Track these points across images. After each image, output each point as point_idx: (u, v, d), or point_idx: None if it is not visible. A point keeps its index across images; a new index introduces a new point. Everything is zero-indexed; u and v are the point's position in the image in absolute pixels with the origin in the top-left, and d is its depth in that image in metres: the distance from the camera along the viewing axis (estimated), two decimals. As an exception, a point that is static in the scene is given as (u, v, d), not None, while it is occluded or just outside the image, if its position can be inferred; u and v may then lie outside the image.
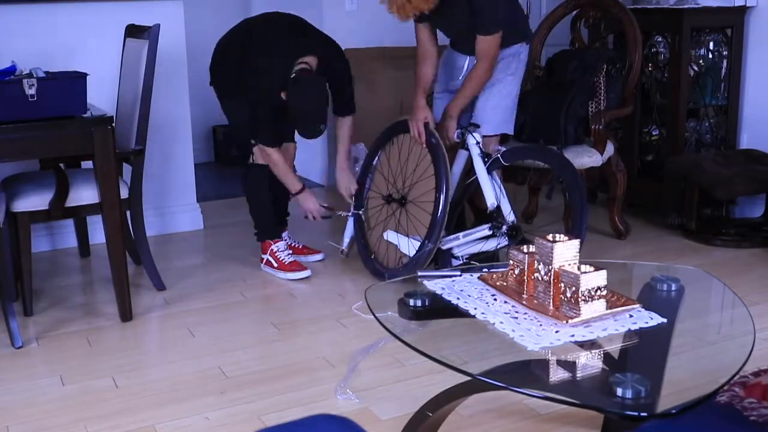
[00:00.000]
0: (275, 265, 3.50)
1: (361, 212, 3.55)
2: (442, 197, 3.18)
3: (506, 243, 3.13)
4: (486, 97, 3.30)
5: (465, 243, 3.22)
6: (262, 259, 3.56)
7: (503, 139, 3.44)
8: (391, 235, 3.38)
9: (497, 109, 3.31)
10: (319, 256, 3.70)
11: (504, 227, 3.14)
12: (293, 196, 3.50)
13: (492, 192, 3.18)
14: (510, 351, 1.71)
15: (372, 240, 3.50)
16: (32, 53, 3.43)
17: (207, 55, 3.49)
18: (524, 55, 3.34)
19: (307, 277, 3.45)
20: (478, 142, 3.24)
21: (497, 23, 3.11)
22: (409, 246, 3.27)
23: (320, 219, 3.55)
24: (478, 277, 2.02)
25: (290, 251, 3.57)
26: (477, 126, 3.27)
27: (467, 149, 3.28)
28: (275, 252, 3.51)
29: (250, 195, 3.56)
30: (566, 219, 3.63)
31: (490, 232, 3.15)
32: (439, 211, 3.18)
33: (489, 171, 3.21)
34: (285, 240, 3.63)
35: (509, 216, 3.17)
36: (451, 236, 3.25)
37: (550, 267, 1.79)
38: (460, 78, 3.35)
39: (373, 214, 3.52)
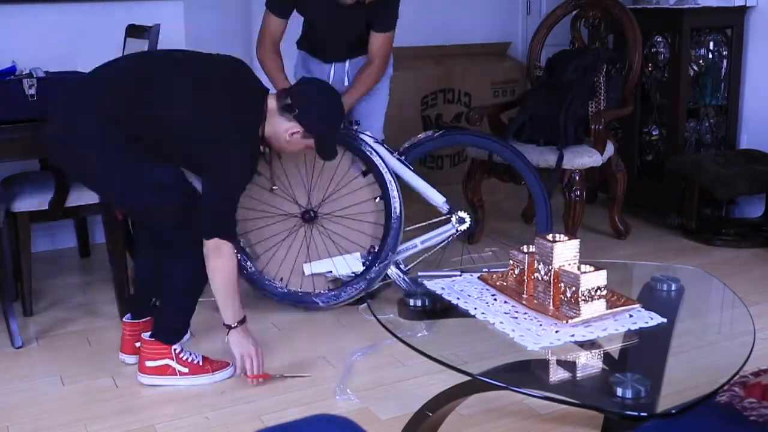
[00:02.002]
0: (185, 370, 2.58)
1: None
2: (398, 203, 3.06)
3: (456, 232, 3.12)
4: (370, 104, 3.23)
5: (422, 249, 3.15)
6: (152, 368, 2.58)
7: None
8: (317, 266, 3.08)
9: (381, 117, 3.28)
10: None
11: (462, 220, 3.11)
12: (226, 327, 2.53)
13: (431, 189, 3.09)
14: (510, 351, 1.71)
15: (270, 265, 3.10)
16: (32, 53, 3.43)
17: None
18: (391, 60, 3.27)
19: (232, 375, 2.62)
20: (377, 140, 3.11)
21: (394, 21, 3.07)
22: (349, 264, 3.08)
23: (253, 380, 2.54)
24: (478, 277, 2.03)
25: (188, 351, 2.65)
26: (358, 123, 3.17)
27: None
28: (179, 353, 2.59)
29: (190, 280, 2.58)
30: (566, 219, 3.63)
31: (454, 230, 3.11)
32: (395, 218, 3.05)
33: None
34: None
35: (446, 206, 3.12)
36: (408, 244, 3.13)
37: (550, 267, 1.79)
38: (346, 82, 3.23)
39: (265, 234, 3.10)
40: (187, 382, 2.58)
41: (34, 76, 3.02)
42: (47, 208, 3.03)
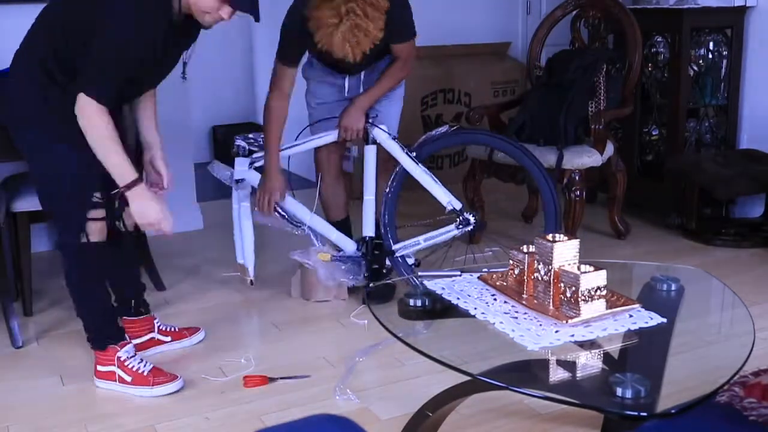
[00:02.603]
0: (128, 379, 2.52)
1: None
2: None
3: (459, 232, 3.12)
4: (390, 102, 3.24)
5: (425, 246, 3.16)
6: (101, 372, 2.55)
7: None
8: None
9: (397, 116, 3.27)
10: (200, 335, 2.88)
11: (467, 220, 3.10)
12: (122, 190, 2.32)
13: (439, 187, 3.09)
14: (510, 351, 1.71)
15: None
16: (32, 53, 3.42)
17: (206, 55, 3.47)
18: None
19: (179, 389, 2.54)
20: (391, 136, 3.14)
21: (412, 29, 3.09)
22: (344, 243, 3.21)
23: (165, 231, 2.42)
24: (478, 277, 2.03)
25: (140, 358, 2.57)
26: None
27: (374, 143, 3.16)
28: (124, 361, 2.53)
29: (79, 286, 2.53)
30: (566, 219, 3.63)
31: (458, 231, 3.12)
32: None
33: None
34: (133, 342, 2.64)
35: (457, 204, 3.12)
36: (410, 242, 3.14)
37: (550, 267, 1.79)
38: (347, 94, 3.22)
39: None
40: (131, 391, 2.52)
41: (34, 76, 3.01)
42: (47, 208, 3.03)
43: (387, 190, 3.18)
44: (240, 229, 3.23)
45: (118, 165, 2.29)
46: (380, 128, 3.14)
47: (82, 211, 2.42)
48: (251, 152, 3.19)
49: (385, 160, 3.18)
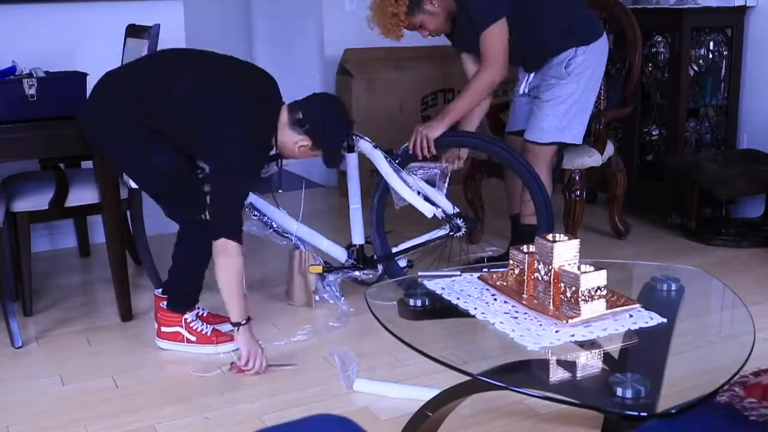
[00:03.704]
0: (193, 339, 2.80)
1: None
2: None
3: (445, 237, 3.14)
4: (538, 104, 3.19)
5: (415, 246, 3.19)
6: (166, 333, 2.83)
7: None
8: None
9: (549, 116, 3.16)
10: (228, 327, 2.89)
11: (458, 224, 3.11)
12: (234, 327, 2.63)
13: (418, 199, 3.05)
14: (510, 351, 1.71)
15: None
16: (32, 53, 3.43)
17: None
18: (583, 58, 3.11)
19: (236, 349, 2.73)
20: (375, 146, 3.10)
21: (490, 12, 2.95)
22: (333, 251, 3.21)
23: (244, 369, 2.62)
24: (478, 277, 2.03)
25: (201, 321, 2.86)
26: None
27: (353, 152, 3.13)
28: (190, 323, 2.82)
29: (189, 251, 2.79)
30: (566, 218, 3.63)
31: (448, 233, 3.12)
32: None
33: (402, 169, 3.11)
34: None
35: (450, 208, 3.12)
36: (404, 245, 3.18)
37: (550, 267, 1.79)
38: (521, 89, 3.25)
39: None
40: (194, 350, 2.79)
41: (34, 76, 3.02)
42: (47, 208, 3.04)
43: (373, 196, 3.19)
44: None
45: (237, 306, 2.61)
46: (364, 138, 3.12)
47: (199, 194, 2.69)
48: None
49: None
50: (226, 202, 2.55)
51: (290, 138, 2.65)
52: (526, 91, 3.27)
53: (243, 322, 2.61)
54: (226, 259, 2.52)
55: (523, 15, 3.04)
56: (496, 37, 2.97)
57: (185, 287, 2.83)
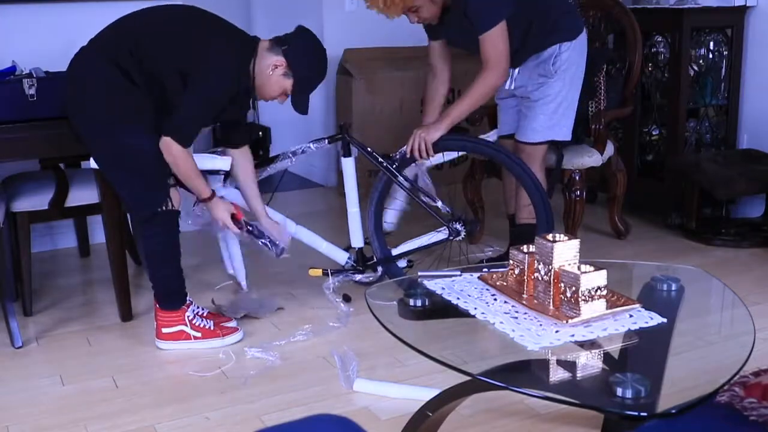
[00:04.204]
0: (197, 335, 2.84)
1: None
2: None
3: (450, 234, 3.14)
4: (527, 104, 3.19)
5: (415, 250, 3.20)
6: (168, 334, 2.83)
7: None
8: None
9: (540, 115, 3.15)
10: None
11: (457, 228, 3.11)
12: (202, 202, 2.85)
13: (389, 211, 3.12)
14: (510, 351, 1.71)
15: None
16: (32, 53, 3.43)
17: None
18: (567, 54, 3.10)
19: (241, 340, 2.88)
20: (363, 148, 3.10)
21: (492, 17, 2.92)
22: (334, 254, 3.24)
23: (233, 230, 2.89)
24: (478, 277, 2.02)
25: (201, 317, 2.90)
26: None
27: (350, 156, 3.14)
28: (192, 319, 2.85)
29: (162, 251, 2.79)
30: (566, 218, 3.63)
31: (447, 237, 3.13)
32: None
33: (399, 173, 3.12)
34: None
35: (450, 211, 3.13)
36: (402, 246, 3.19)
37: (550, 267, 1.79)
38: (507, 85, 3.22)
39: None
40: (201, 346, 2.82)
41: (34, 76, 3.02)
42: (47, 208, 3.04)
43: (371, 199, 3.19)
44: (227, 246, 3.28)
45: (197, 187, 2.78)
46: (355, 141, 3.12)
47: (165, 182, 2.74)
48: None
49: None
50: (189, 111, 2.66)
51: (267, 62, 2.72)
52: (512, 88, 3.25)
53: (209, 196, 2.80)
54: (171, 157, 2.66)
55: (515, 14, 3.01)
56: (497, 40, 2.94)
57: (170, 284, 2.83)
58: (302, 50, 2.76)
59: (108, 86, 2.66)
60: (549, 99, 3.14)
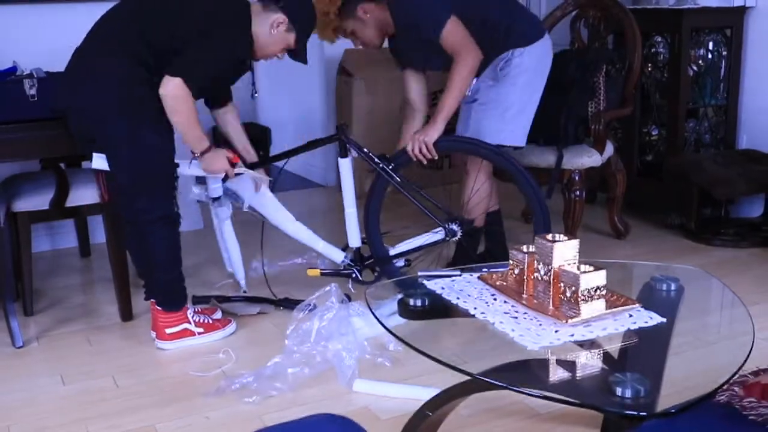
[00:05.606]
0: (200, 331, 2.89)
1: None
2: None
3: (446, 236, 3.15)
4: (475, 107, 3.20)
5: (411, 250, 3.21)
6: (171, 334, 2.86)
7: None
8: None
9: (484, 119, 3.15)
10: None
11: (453, 228, 3.11)
12: (199, 156, 2.80)
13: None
14: (510, 350, 1.71)
15: None
16: (33, 53, 3.43)
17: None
18: (519, 60, 3.11)
19: (236, 331, 2.98)
20: (362, 150, 3.10)
21: (437, 18, 2.95)
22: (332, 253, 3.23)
23: (233, 176, 2.93)
24: (478, 277, 2.03)
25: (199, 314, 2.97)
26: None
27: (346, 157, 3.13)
28: (193, 316, 2.90)
29: (167, 253, 2.80)
30: (566, 218, 3.63)
31: (444, 238, 3.13)
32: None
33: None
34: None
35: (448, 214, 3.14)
36: (400, 245, 3.19)
37: (550, 267, 1.79)
38: (469, 90, 3.21)
39: None
40: (204, 340, 2.88)
41: (35, 76, 3.02)
42: (47, 207, 3.04)
43: (368, 199, 3.20)
44: (225, 248, 3.29)
45: (197, 137, 2.73)
46: (352, 140, 3.13)
47: (172, 185, 2.76)
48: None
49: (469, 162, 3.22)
50: (201, 57, 2.63)
51: (266, 21, 2.74)
52: (469, 94, 3.25)
53: (206, 148, 2.76)
54: (175, 99, 2.60)
55: (471, 21, 3.01)
56: (454, 31, 2.97)
57: (176, 286, 2.86)
58: (298, 2, 2.80)
59: (130, 82, 2.64)
60: (497, 103, 3.14)
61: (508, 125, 3.15)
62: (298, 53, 2.86)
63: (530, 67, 3.15)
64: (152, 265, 2.81)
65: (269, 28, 2.75)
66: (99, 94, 2.66)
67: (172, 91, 2.59)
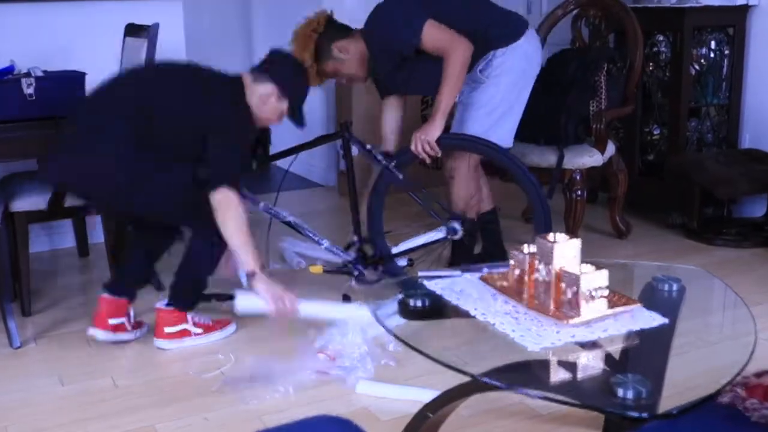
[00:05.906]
0: (199, 331, 2.88)
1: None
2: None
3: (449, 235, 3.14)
4: (460, 109, 3.19)
5: (414, 249, 3.19)
6: (170, 333, 2.84)
7: None
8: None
9: (468, 120, 3.15)
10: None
11: (454, 227, 3.11)
12: (251, 275, 2.61)
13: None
14: (510, 351, 1.70)
15: None
16: (31, 52, 3.43)
17: (206, 54, 3.48)
18: (501, 60, 3.08)
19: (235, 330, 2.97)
20: (365, 148, 3.11)
21: (412, 26, 2.95)
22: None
23: (292, 311, 2.62)
24: (479, 277, 2.02)
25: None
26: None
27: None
28: (193, 317, 2.89)
29: (205, 266, 2.83)
30: (567, 218, 3.63)
31: (446, 236, 3.12)
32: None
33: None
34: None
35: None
36: (402, 244, 3.19)
37: (551, 267, 1.78)
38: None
39: None
40: (203, 341, 2.87)
41: (33, 75, 3.01)
42: (45, 207, 3.03)
43: (370, 197, 3.19)
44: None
45: (250, 253, 2.60)
46: (355, 139, 3.12)
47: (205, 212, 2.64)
48: None
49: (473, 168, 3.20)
50: (226, 156, 2.63)
51: (257, 93, 2.74)
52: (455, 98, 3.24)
53: (257, 271, 2.59)
54: (229, 211, 2.57)
55: (451, 26, 2.99)
56: (433, 32, 2.95)
57: (199, 289, 2.89)
58: (287, 72, 2.82)
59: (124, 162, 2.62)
60: (481, 104, 3.12)
61: (494, 126, 3.13)
62: (295, 119, 2.86)
63: (514, 67, 3.11)
64: (189, 261, 2.83)
65: (260, 101, 2.75)
66: (104, 180, 2.66)
67: (226, 203, 2.57)
